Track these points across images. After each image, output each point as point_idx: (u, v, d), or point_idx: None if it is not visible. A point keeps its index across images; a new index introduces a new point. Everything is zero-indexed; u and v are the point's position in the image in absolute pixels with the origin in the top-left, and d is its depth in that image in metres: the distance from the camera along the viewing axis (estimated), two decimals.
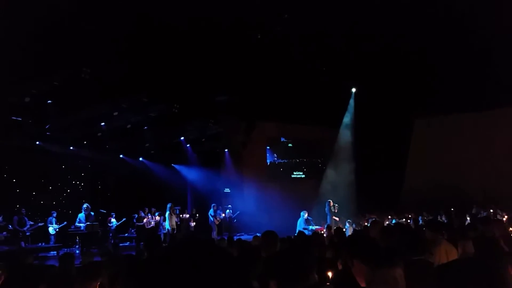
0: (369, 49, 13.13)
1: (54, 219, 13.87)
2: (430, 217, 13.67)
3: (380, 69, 14.48)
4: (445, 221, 12.78)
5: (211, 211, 16.38)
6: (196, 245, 1.11)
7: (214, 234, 15.58)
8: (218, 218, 16.37)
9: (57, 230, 13.76)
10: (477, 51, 13.19)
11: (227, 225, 17.15)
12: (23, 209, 13.27)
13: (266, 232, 3.99)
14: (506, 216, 12.59)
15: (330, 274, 3.73)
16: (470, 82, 14.90)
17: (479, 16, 11.18)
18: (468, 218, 12.73)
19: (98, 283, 3.59)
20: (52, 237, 13.70)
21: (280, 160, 21.02)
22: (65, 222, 13.87)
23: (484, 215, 13.12)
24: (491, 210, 14.32)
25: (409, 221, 13.64)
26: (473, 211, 14.13)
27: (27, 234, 13.06)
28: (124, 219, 15.32)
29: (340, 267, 3.93)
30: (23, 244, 12.62)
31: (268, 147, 20.70)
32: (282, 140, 21.01)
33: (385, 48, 13.16)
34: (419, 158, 19.93)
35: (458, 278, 1.48)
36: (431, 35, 12.53)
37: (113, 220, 15.14)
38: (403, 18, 11.51)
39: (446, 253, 3.95)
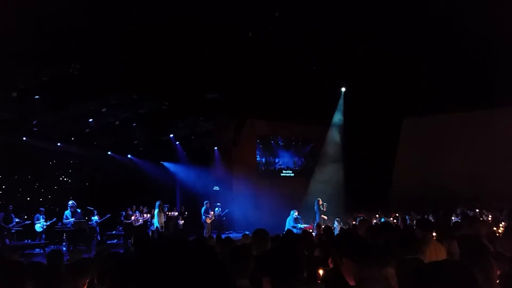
0: (359, 48, 13.20)
1: (42, 215, 13.70)
2: (418, 217, 13.80)
3: (369, 68, 14.57)
4: (433, 220, 12.92)
5: (203, 209, 16.30)
6: (183, 244, 1.12)
7: (205, 232, 15.51)
8: (210, 216, 16.28)
9: (45, 227, 13.59)
10: (466, 52, 13.34)
11: (216, 223, 17.11)
12: (10, 206, 13.10)
13: (257, 231, 4.00)
14: (490, 216, 12.78)
15: (321, 272, 3.76)
16: (458, 83, 15.07)
17: (469, 17, 11.31)
18: (453, 218, 12.90)
19: (87, 280, 3.57)
20: (41, 234, 13.53)
21: (270, 158, 21.05)
22: (54, 219, 13.72)
23: (471, 214, 13.30)
24: (477, 210, 14.53)
25: (395, 220, 13.76)
26: (458, 211, 14.31)
27: (12, 231, 12.89)
28: (108, 215, 15.15)
29: (331, 265, 3.97)
30: (7, 241, 12.46)
31: (258, 145, 20.70)
32: (272, 138, 21.04)
33: (375, 48, 13.24)
34: (407, 157, 20.14)
35: (440, 282, 1.50)
36: (420, 36, 12.64)
37: (93, 217, 14.93)
38: (393, 17, 11.59)
39: (436, 252, 4.00)
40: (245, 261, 2.74)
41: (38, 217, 13.60)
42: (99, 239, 14.36)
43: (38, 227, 13.49)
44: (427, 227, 4.66)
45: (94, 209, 15.12)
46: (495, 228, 8.12)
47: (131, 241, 12.11)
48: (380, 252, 2.19)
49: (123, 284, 3.39)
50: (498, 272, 3.74)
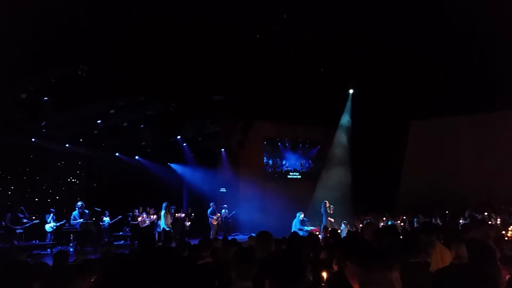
0: (367, 50, 13.15)
1: (53, 216, 13.76)
2: (426, 220, 13.71)
3: (377, 70, 14.51)
4: (440, 223, 12.81)
5: (209, 210, 16.32)
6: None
7: (211, 234, 15.51)
8: (215, 218, 16.26)
9: (55, 228, 13.66)
10: (475, 54, 13.23)
11: (222, 225, 17.13)
12: (22, 207, 13.16)
13: (261, 233, 3.99)
14: (499, 219, 12.65)
15: (324, 275, 3.74)
16: (467, 85, 14.95)
17: (477, 20, 11.23)
18: (461, 221, 12.78)
19: (92, 281, 3.57)
20: (49, 234, 13.61)
21: (276, 160, 21.03)
22: (63, 220, 13.79)
23: (480, 217, 13.17)
24: (485, 213, 14.38)
25: (402, 223, 13.68)
26: (466, 214, 14.19)
27: (19, 231, 12.88)
28: (119, 216, 15.28)
29: (335, 268, 3.94)
30: (15, 242, 12.52)
31: (265, 147, 20.69)
32: (279, 140, 21.01)
33: (383, 50, 13.19)
34: (415, 160, 19.98)
35: (454, 285, 1.48)
36: (428, 37, 12.57)
37: (105, 218, 15.09)
38: (401, 19, 11.54)
39: (442, 256, 3.96)
40: (248, 264, 2.73)
41: (48, 217, 13.67)
42: (105, 240, 14.42)
43: (48, 227, 13.56)
44: (430, 231, 4.62)
45: (106, 211, 15.23)
46: (504, 232, 8.03)
47: (137, 243, 12.17)
48: (385, 256, 2.16)
49: (127, 285, 3.39)
50: (507, 277, 3.70)
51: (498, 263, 3.92)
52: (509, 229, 8.71)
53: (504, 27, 11.28)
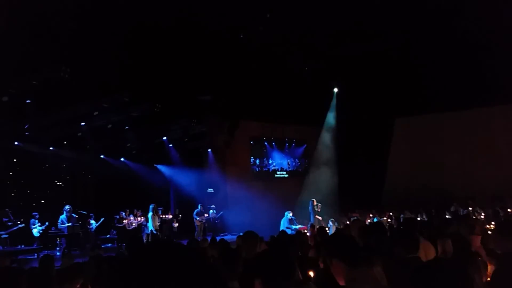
0: (351, 48, 13.25)
1: (36, 220, 13.52)
2: (412, 216, 13.88)
3: (361, 69, 14.64)
4: (426, 219, 12.99)
5: (195, 211, 16.29)
6: (174, 248, 1.12)
7: (196, 235, 15.45)
8: (199, 219, 16.23)
9: (41, 232, 13.44)
10: (458, 50, 13.41)
11: (210, 226, 17.09)
12: (6, 209, 12.90)
13: (246, 233, 4.01)
14: (483, 214, 12.86)
15: (312, 273, 3.77)
16: (451, 82, 15.17)
17: (462, 15, 11.39)
18: (447, 216, 12.96)
19: (79, 285, 3.54)
20: (38, 239, 13.36)
21: (263, 160, 21.06)
22: (46, 223, 13.56)
23: (465, 212, 13.38)
24: (470, 208, 14.61)
25: (389, 220, 13.83)
26: (452, 209, 14.40)
27: (3, 236, 12.64)
28: (102, 219, 15.08)
29: (322, 266, 3.97)
30: (0, 247, 12.27)
31: (251, 147, 20.70)
32: (265, 139, 21.04)
33: (367, 47, 13.30)
34: (401, 156, 20.22)
35: (433, 281, 1.51)
36: (412, 34, 12.71)
37: (92, 221, 14.89)
38: (385, 16, 11.65)
39: (425, 252, 4.02)
40: (234, 264, 2.74)
41: (33, 222, 13.44)
42: (92, 243, 14.24)
43: (35, 232, 13.33)
44: (412, 227, 4.69)
45: (91, 213, 15.04)
46: (488, 226, 8.18)
47: (125, 245, 12.05)
48: (368, 253, 2.19)
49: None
50: (489, 268, 3.78)
51: (481, 257, 4.01)
52: (492, 223, 8.88)
53: (485, 25, 11.48)
